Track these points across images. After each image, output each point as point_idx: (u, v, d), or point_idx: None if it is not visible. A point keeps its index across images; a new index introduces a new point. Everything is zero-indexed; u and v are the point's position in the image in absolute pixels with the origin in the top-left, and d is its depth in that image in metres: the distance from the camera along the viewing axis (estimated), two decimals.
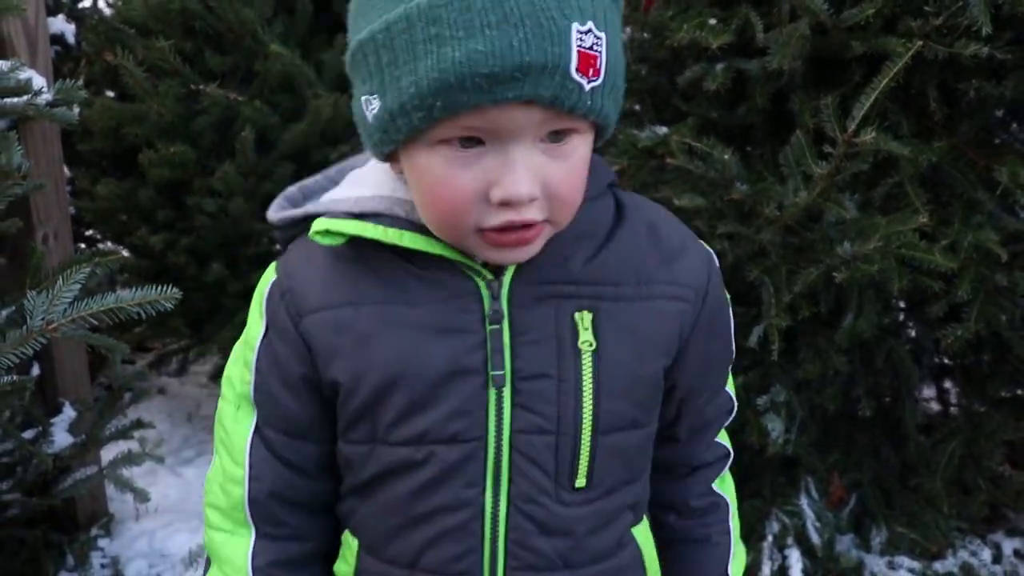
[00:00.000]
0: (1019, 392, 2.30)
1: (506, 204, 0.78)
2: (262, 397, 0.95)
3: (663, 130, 2.06)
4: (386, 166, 0.89)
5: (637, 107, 2.23)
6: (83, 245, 2.96)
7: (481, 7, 0.71)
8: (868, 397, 2.18)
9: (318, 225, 0.86)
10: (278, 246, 1.02)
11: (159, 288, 1.42)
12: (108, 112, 2.29)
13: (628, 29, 3.03)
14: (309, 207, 0.94)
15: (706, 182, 1.95)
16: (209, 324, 2.50)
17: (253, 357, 0.95)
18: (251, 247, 2.33)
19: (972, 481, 2.31)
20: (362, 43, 0.79)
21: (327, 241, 0.87)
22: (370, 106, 0.80)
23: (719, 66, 1.96)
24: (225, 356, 2.48)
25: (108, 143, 2.39)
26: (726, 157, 1.89)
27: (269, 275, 0.95)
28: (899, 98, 1.95)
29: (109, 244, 3.11)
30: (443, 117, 0.75)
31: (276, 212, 0.97)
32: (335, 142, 2.11)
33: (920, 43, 1.77)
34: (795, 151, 1.89)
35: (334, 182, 0.99)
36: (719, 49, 1.91)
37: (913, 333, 2.34)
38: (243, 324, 2.31)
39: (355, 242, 0.86)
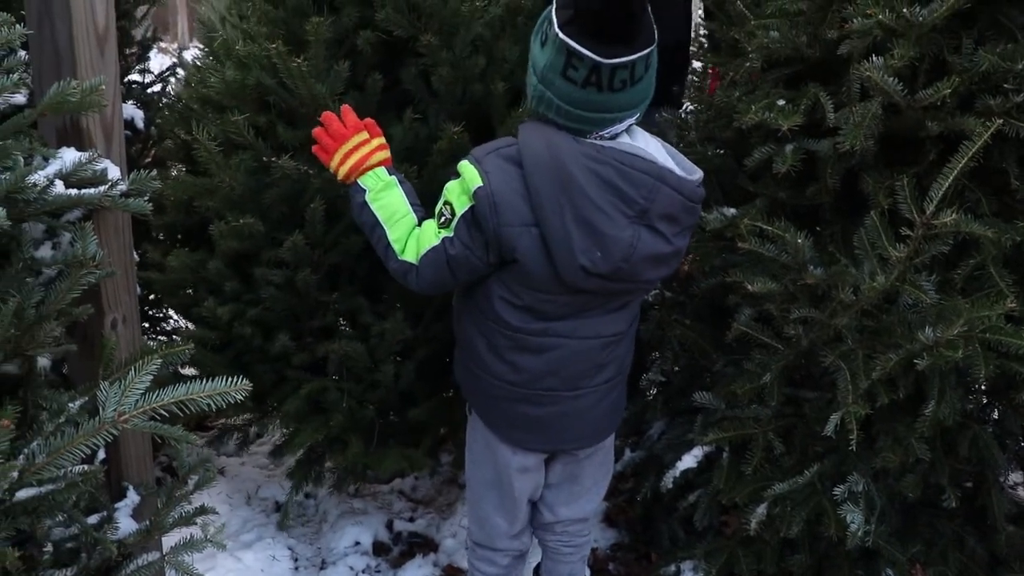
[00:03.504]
0: None
1: None
2: None
3: (731, 211, 2.03)
4: None
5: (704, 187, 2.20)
6: (146, 324, 3.00)
7: None
8: (952, 485, 2.09)
9: None
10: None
11: (230, 380, 1.41)
12: (182, 186, 2.34)
13: (691, 106, 3.04)
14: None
15: (778, 265, 1.90)
16: (272, 397, 2.49)
17: None
18: (317, 319, 2.33)
19: None
20: None
21: None
22: None
23: (788, 147, 1.93)
24: (287, 432, 2.47)
25: (180, 216, 2.43)
26: (799, 241, 1.84)
27: None
28: (977, 175, 1.90)
29: (174, 321, 3.16)
30: None
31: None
32: None
33: (1000, 122, 1.73)
34: (870, 233, 1.84)
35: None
36: (788, 129, 1.89)
37: (997, 415, 2.25)
38: (309, 395, 2.31)
39: None
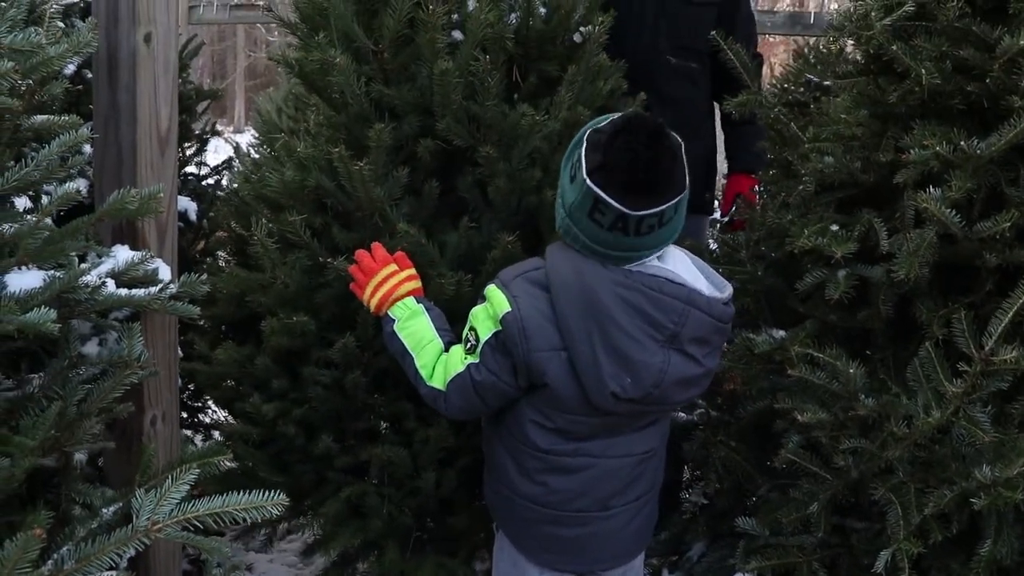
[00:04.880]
0: None
1: None
2: None
3: (780, 334, 1.99)
4: None
5: (752, 307, 2.17)
6: (185, 415, 3.00)
7: None
8: None
9: None
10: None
11: (266, 494, 1.39)
12: (234, 280, 2.35)
13: (723, 219, 3.04)
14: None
15: (828, 393, 1.86)
16: (311, 498, 2.46)
17: None
18: (362, 422, 2.31)
19: None
20: None
21: None
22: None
23: (841, 273, 1.90)
24: (324, 528, 2.42)
25: (230, 309, 2.44)
26: (852, 371, 1.80)
27: None
28: None
29: (213, 412, 3.16)
30: None
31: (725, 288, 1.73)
32: (456, 321, 2.12)
33: None
34: (925, 365, 1.79)
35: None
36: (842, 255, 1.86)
37: None
38: (349, 499, 2.27)
39: None
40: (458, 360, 1.75)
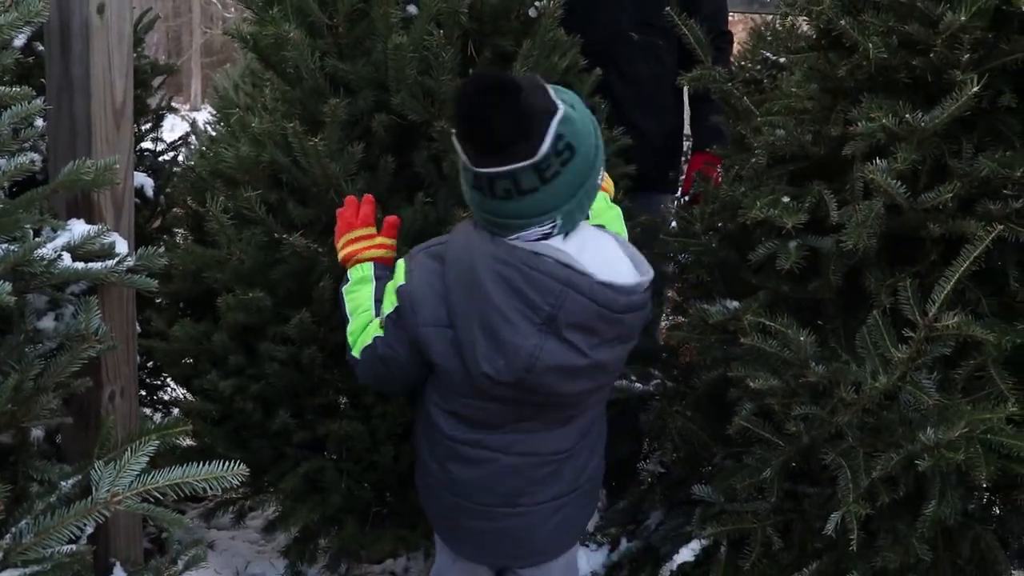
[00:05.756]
0: None
1: None
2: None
3: (734, 304, 2.04)
4: None
5: (707, 279, 2.21)
6: (144, 393, 2.98)
7: None
8: None
9: None
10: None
11: (225, 464, 1.40)
12: (190, 256, 2.35)
13: (683, 198, 3.07)
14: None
15: (780, 361, 1.90)
16: (269, 474, 2.46)
17: None
18: (319, 397, 2.32)
19: None
20: (600, 148, 1.59)
21: None
22: (599, 180, 1.60)
23: (792, 244, 1.94)
24: (282, 504, 2.43)
25: (186, 286, 2.43)
26: (802, 338, 1.85)
27: None
28: (977, 276, 1.91)
29: (172, 390, 3.14)
30: None
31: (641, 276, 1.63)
32: None
33: (1000, 227, 1.75)
34: (872, 332, 1.84)
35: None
36: (792, 226, 1.91)
37: (999, 511, 2.23)
38: (307, 474, 2.29)
39: None
40: (372, 331, 1.72)
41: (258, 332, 2.29)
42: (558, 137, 1.49)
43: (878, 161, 1.82)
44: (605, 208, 1.84)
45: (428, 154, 2.20)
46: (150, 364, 3.02)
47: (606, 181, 1.80)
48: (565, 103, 1.53)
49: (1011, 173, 1.77)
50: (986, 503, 2.19)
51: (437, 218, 2.19)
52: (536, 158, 1.49)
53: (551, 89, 1.54)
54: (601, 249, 1.63)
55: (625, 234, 1.82)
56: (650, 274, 1.65)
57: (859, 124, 1.84)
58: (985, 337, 1.76)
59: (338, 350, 2.28)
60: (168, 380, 3.12)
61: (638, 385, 2.37)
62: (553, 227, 1.56)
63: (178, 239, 2.85)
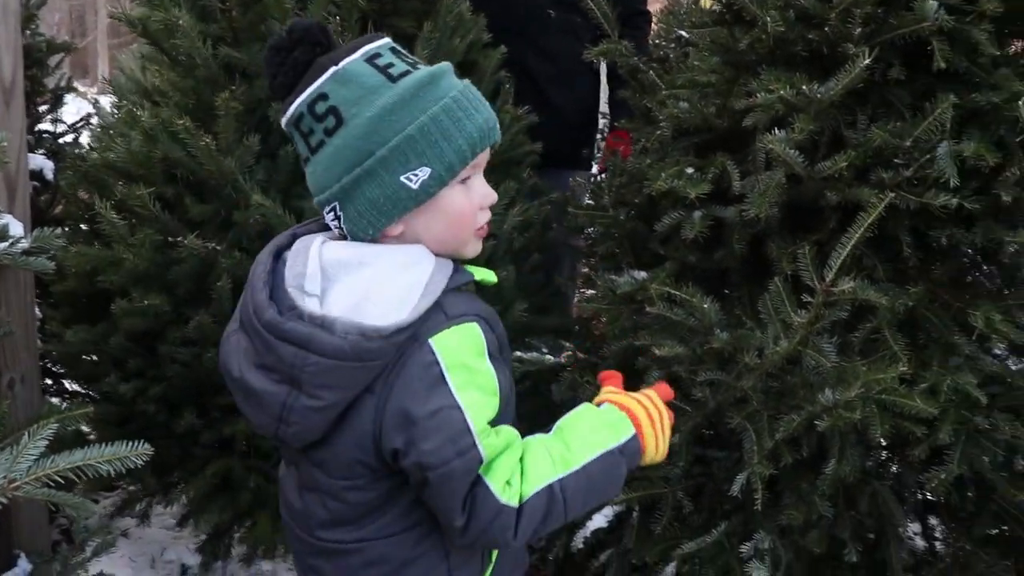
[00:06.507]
0: (1005, 530, 2.27)
1: (488, 208, 1.32)
2: (502, 404, 1.29)
3: (641, 275, 2.07)
4: (398, 253, 1.26)
5: (616, 251, 2.25)
6: (49, 381, 2.89)
7: (474, 94, 1.28)
8: (854, 539, 2.14)
9: (482, 275, 1.34)
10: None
11: (129, 444, 1.38)
12: (84, 258, 2.21)
13: (596, 169, 3.11)
14: (429, 298, 1.23)
15: (686, 329, 1.95)
16: (178, 473, 2.41)
17: (497, 387, 1.27)
18: (224, 397, 2.25)
19: None
20: (412, 136, 1.22)
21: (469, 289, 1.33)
22: (415, 178, 1.23)
23: (696, 214, 1.99)
24: (192, 505, 2.38)
25: (82, 285, 2.34)
26: (706, 306, 1.90)
27: (472, 329, 1.26)
28: (873, 243, 1.99)
29: (77, 386, 3.04)
30: (469, 161, 1.25)
31: (394, 317, 1.20)
32: None
33: (892, 195, 1.82)
34: (774, 299, 1.90)
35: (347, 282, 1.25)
36: (696, 197, 1.95)
37: (895, 468, 2.33)
38: (216, 475, 2.24)
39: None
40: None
41: (158, 335, 2.22)
42: (320, 96, 1.26)
43: (777, 132, 1.87)
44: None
45: None
46: (55, 353, 2.93)
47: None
48: (376, 70, 1.25)
49: (901, 143, 1.84)
50: (883, 460, 2.29)
51: None
52: (288, 113, 1.30)
53: (378, 50, 1.28)
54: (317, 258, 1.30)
55: None
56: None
57: (759, 96, 1.88)
58: (879, 301, 1.83)
59: None
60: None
61: (550, 357, 2.40)
62: (335, 220, 1.30)
63: (78, 231, 2.72)
